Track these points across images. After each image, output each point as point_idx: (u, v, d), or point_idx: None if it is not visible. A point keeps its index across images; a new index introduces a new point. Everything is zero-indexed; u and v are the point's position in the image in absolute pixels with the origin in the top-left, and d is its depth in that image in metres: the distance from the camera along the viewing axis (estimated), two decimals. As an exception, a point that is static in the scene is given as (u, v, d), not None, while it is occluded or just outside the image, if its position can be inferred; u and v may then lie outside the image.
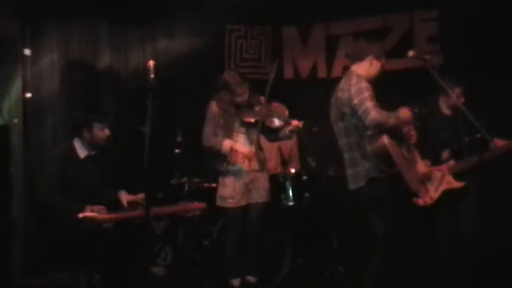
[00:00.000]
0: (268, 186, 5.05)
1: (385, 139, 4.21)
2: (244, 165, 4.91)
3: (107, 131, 4.87)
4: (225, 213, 5.02)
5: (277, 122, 4.89)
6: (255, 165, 4.96)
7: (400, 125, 4.29)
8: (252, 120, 4.91)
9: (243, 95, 4.91)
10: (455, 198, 5.02)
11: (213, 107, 4.97)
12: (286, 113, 4.96)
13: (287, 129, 4.88)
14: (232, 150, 4.88)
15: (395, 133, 4.26)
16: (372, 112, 4.13)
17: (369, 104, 4.15)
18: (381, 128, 4.17)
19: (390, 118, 4.17)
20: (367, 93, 4.19)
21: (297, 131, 4.90)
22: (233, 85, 4.89)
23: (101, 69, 6.52)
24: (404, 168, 4.28)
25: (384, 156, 4.22)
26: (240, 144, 4.94)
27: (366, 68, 4.38)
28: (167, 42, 6.91)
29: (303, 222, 5.94)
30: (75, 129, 4.89)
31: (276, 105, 4.99)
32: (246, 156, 4.90)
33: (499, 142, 4.82)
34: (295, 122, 4.83)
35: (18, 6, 5.74)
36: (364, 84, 4.24)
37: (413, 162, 4.59)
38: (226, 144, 4.88)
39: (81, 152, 4.86)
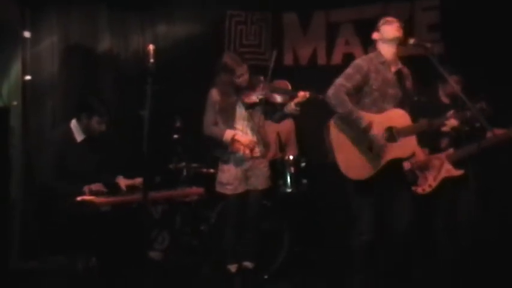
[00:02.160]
0: (268, 173, 5.04)
1: (331, 124, 4.28)
2: (245, 154, 4.91)
3: (103, 127, 4.85)
4: (224, 199, 5.02)
5: (280, 98, 4.86)
6: (257, 151, 4.96)
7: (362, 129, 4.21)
8: (255, 99, 4.88)
9: (242, 75, 4.87)
10: (454, 186, 5.03)
11: (214, 94, 4.93)
12: (290, 87, 4.94)
13: (293, 103, 4.81)
14: (233, 140, 4.88)
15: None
16: (332, 88, 4.22)
17: (339, 80, 4.23)
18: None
19: (344, 108, 4.16)
20: (349, 70, 4.26)
21: (304, 101, 4.81)
22: (232, 66, 4.84)
23: (100, 52, 6.51)
24: (342, 157, 4.25)
25: (326, 138, 4.30)
26: (241, 134, 4.92)
27: (378, 36, 4.35)
28: (167, 27, 6.88)
29: (300, 209, 5.95)
30: (76, 109, 4.88)
31: (278, 82, 4.96)
32: (248, 146, 4.89)
33: (498, 131, 4.82)
34: (301, 93, 4.79)
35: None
36: (357, 62, 4.31)
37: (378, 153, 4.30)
38: (228, 134, 4.86)
39: (78, 135, 4.86)
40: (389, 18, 4.34)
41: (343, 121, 4.25)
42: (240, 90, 4.91)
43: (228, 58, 4.93)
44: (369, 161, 4.22)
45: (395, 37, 4.28)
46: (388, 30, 4.30)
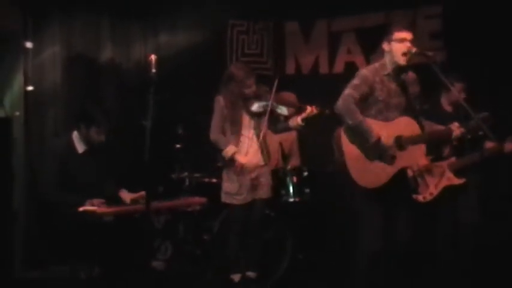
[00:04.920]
0: (271, 182, 5.05)
1: (342, 132, 4.24)
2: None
3: (102, 137, 4.84)
4: (228, 208, 5.00)
5: (286, 110, 4.85)
6: (260, 160, 4.95)
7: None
8: (262, 109, 4.87)
9: (251, 86, 4.88)
10: (455, 194, 5.03)
11: (221, 101, 4.93)
12: (296, 100, 4.92)
13: (300, 117, 4.79)
14: (232, 159, 4.86)
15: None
16: (341, 99, 4.18)
17: (347, 91, 4.19)
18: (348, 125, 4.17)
19: (354, 119, 4.11)
20: (356, 81, 4.21)
21: (311, 117, 4.79)
22: (242, 77, 4.85)
23: (102, 62, 6.51)
24: (354, 165, 4.20)
25: (336, 147, 4.26)
26: (242, 154, 4.90)
27: (387, 48, 4.25)
28: (169, 36, 6.90)
29: (303, 218, 5.94)
30: (75, 120, 4.89)
31: (286, 94, 4.95)
32: (240, 167, 4.86)
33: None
34: (309, 108, 4.76)
35: (20, -1, 5.76)
36: (363, 73, 4.25)
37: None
38: (229, 150, 4.85)
39: (80, 146, 4.85)
40: (402, 35, 4.17)
41: (353, 130, 4.23)
42: (246, 99, 4.91)
43: (237, 69, 4.94)
44: (381, 169, 4.19)
45: (398, 62, 4.19)
46: (396, 52, 4.18)
